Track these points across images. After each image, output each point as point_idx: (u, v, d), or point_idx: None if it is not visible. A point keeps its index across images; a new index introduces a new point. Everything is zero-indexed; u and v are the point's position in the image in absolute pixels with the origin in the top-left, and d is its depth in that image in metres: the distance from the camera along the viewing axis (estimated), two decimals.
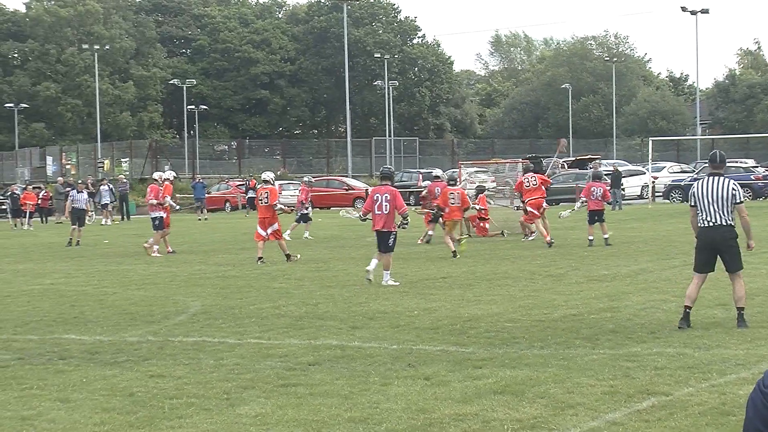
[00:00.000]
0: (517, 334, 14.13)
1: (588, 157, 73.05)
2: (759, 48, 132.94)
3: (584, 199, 30.49)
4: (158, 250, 30.71)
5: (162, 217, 30.97)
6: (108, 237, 41.26)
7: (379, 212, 21.04)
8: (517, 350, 12.87)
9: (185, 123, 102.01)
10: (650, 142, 64.07)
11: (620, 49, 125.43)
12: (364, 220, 22.37)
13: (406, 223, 22.22)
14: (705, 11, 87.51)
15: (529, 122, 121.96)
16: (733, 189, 14.40)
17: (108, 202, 56.19)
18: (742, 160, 72.36)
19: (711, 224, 14.34)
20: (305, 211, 36.70)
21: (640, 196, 61.28)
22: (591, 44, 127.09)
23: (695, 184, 14.72)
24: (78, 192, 38.54)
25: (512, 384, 10.77)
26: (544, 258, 26.11)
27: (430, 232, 32.34)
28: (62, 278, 24.64)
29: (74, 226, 37.11)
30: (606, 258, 25.56)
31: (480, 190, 35.92)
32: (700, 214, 14.46)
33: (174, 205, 32.25)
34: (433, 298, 18.45)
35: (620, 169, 57.96)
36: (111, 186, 58.01)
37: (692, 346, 12.72)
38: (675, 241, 29.64)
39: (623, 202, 53.23)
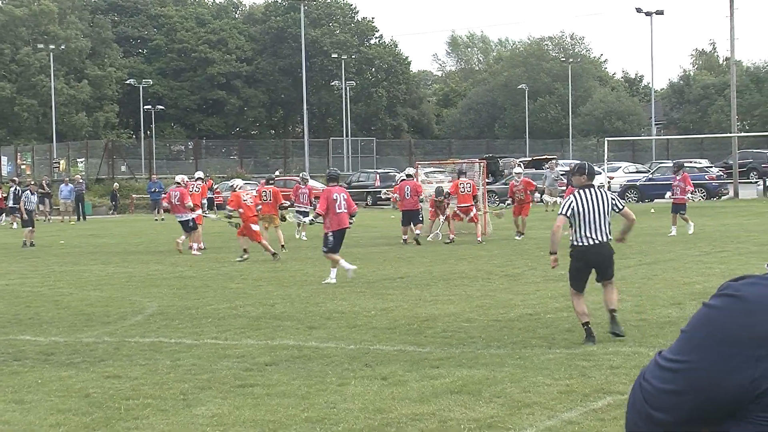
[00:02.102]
0: (474, 333, 14.17)
1: (544, 157, 73.35)
2: (713, 49, 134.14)
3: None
4: (194, 247, 30.49)
5: (193, 219, 30.84)
6: (63, 237, 40.98)
7: (341, 210, 21.45)
8: (474, 350, 12.91)
9: (142, 123, 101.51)
10: (606, 143, 64.34)
11: (576, 50, 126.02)
12: (312, 222, 22.68)
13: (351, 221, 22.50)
14: (660, 12, 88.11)
15: (486, 122, 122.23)
16: (612, 199, 13.51)
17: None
18: (697, 160, 72.87)
19: (594, 243, 13.36)
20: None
21: None
22: (547, 45, 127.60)
23: (573, 198, 13.42)
24: (31, 193, 38.31)
25: (469, 383, 10.81)
26: (501, 258, 26.19)
27: (437, 232, 32.65)
28: (17, 279, 24.47)
29: (28, 228, 36.80)
30: (562, 258, 25.64)
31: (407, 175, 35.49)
32: (580, 231, 13.36)
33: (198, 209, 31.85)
34: (391, 298, 18.48)
35: None
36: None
37: (647, 345, 12.81)
38: (630, 240, 29.76)
39: None
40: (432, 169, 59.72)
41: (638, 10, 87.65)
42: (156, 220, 55.87)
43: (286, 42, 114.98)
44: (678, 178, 32.39)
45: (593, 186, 13.60)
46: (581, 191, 13.46)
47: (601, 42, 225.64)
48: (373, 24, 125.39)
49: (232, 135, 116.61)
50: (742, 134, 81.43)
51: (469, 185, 32.61)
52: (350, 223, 22.13)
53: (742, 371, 2.35)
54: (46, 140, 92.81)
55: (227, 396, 10.66)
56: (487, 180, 42.51)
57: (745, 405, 2.38)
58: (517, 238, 32.16)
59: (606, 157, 62.62)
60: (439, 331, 14.51)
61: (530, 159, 76.00)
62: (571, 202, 13.38)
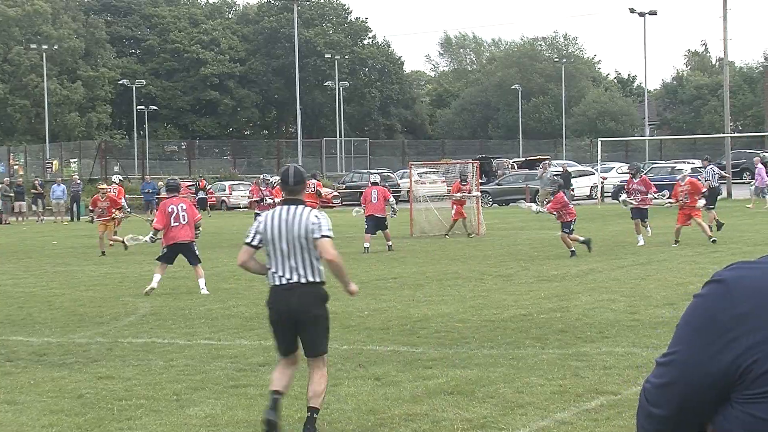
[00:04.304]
0: (467, 334, 14.17)
1: (537, 157, 73.44)
2: (706, 49, 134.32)
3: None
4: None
5: None
6: (56, 238, 40.94)
7: (177, 223, 20.32)
8: (467, 350, 12.90)
9: (135, 123, 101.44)
10: (599, 143, 64.47)
11: (569, 50, 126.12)
12: (154, 240, 21.55)
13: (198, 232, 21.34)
14: (653, 13, 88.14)
15: (479, 123, 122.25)
16: (313, 222, 9.21)
17: None
18: (690, 160, 72.94)
19: (285, 283, 9.21)
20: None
21: (590, 197, 61.63)
22: (540, 45, 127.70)
23: (264, 220, 9.44)
24: None
25: (462, 384, 10.80)
26: (494, 258, 26.19)
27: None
28: (10, 280, 24.43)
29: None
30: (555, 258, 25.69)
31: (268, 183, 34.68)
32: (270, 266, 9.35)
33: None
34: (384, 299, 18.46)
35: (570, 169, 58.27)
36: None
37: (640, 346, 12.81)
38: (623, 241, 29.82)
39: (573, 202, 53.46)
40: (425, 169, 59.72)
41: (631, 11, 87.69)
42: (148, 220, 55.75)
43: (279, 42, 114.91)
44: (636, 181, 29.73)
45: (299, 202, 9.47)
46: (277, 211, 9.48)
47: (594, 42, 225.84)
48: (366, 24, 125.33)
49: (225, 135, 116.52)
50: (735, 135, 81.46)
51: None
52: (196, 235, 20.86)
53: (725, 353, 2.41)
54: (39, 141, 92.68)
55: (220, 396, 10.65)
56: (480, 180, 42.56)
57: (732, 388, 2.43)
58: (674, 245, 27.75)
59: (599, 157, 62.70)
60: (432, 331, 14.50)
61: (523, 159, 76.11)
62: (258, 225, 9.47)
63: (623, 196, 30.30)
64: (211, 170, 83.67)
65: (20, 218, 57.26)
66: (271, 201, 32.62)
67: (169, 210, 20.34)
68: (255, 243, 9.42)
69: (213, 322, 16.10)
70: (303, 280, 9.17)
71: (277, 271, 9.25)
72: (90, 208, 33.06)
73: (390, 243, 30.04)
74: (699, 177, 33.98)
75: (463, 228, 34.35)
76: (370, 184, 32.06)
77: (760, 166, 41.01)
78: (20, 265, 28.47)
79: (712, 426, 2.51)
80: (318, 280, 9.26)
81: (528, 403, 9.93)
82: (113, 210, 32.20)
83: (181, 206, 20.46)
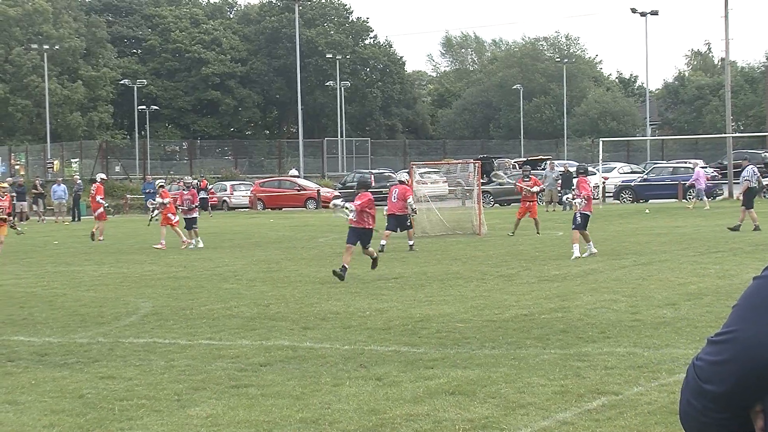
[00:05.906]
0: (469, 334, 14.15)
1: (539, 157, 73.44)
2: (708, 49, 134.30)
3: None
4: None
5: None
6: (58, 238, 40.93)
7: None
8: (469, 350, 12.89)
9: (136, 123, 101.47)
10: (600, 143, 64.45)
11: (571, 50, 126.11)
12: None
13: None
14: (655, 13, 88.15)
15: (480, 123, 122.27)
16: None
17: None
18: (691, 160, 72.93)
19: None
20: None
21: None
22: (542, 45, 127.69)
23: None
24: None
25: (463, 384, 10.79)
26: (495, 258, 26.17)
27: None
28: (11, 279, 24.41)
29: None
30: (557, 258, 25.66)
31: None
32: None
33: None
34: (385, 299, 18.45)
35: (571, 169, 58.17)
36: None
37: (642, 346, 12.79)
38: (625, 241, 29.82)
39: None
40: (427, 169, 59.74)
41: (633, 11, 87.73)
42: (150, 219, 55.69)
43: (281, 42, 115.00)
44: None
45: None
46: None
47: (595, 42, 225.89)
48: (367, 24, 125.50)
49: (226, 135, 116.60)
50: (737, 135, 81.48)
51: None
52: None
53: None
54: (40, 140, 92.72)
55: (221, 397, 10.64)
56: (481, 180, 42.55)
57: None
58: None
59: (601, 157, 62.68)
60: (433, 331, 14.49)
61: (525, 159, 76.11)
62: None
63: None
64: (213, 170, 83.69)
65: (21, 219, 57.24)
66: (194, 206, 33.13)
67: None
68: None
69: (214, 322, 16.09)
70: None
71: None
72: None
73: (412, 242, 30.02)
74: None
75: (535, 227, 34.61)
76: (397, 182, 32.55)
77: (698, 169, 41.09)
78: (21, 265, 28.45)
79: (762, 405, 2.53)
80: None
81: (529, 404, 9.92)
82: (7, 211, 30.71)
83: None
